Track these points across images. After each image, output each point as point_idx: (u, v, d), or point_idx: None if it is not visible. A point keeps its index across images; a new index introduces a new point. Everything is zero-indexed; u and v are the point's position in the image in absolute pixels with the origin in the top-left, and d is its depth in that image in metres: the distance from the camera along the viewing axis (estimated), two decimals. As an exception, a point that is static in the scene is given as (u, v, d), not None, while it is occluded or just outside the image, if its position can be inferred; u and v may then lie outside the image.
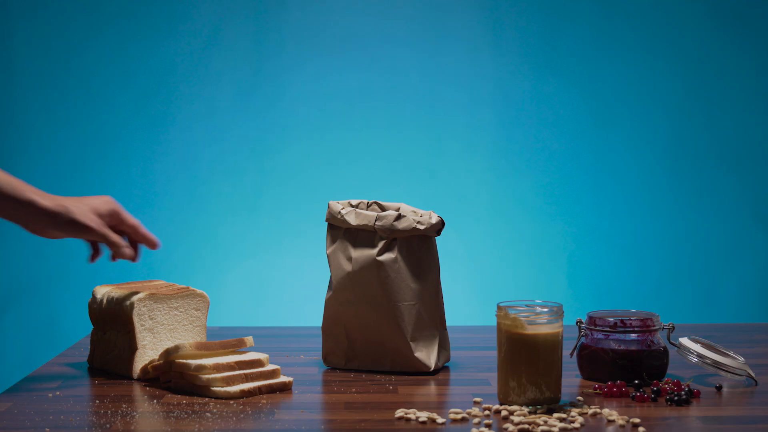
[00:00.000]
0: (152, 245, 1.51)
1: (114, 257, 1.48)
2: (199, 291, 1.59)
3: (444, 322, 1.60)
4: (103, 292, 1.58)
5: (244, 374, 1.44)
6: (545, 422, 1.27)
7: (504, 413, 1.31)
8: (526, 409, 1.32)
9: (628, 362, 1.47)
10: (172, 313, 1.57)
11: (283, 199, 3.01)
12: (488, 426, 1.27)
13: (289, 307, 2.98)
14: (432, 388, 1.48)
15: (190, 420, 1.30)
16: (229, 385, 1.42)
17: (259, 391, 1.43)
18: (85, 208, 1.45)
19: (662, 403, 1.37)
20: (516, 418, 1.28)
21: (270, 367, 1.47)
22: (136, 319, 1.52)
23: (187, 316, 1.59)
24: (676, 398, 1.36)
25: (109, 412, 1.34)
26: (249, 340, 1.52)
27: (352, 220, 1.57)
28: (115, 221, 1.49)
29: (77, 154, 2.97)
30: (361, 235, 1.56)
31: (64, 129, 2.96)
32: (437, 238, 1.59)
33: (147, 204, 2.99)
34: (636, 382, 1.43)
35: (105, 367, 1.56)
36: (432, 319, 1.57)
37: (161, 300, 1.55)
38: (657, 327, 1.49)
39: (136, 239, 1.51)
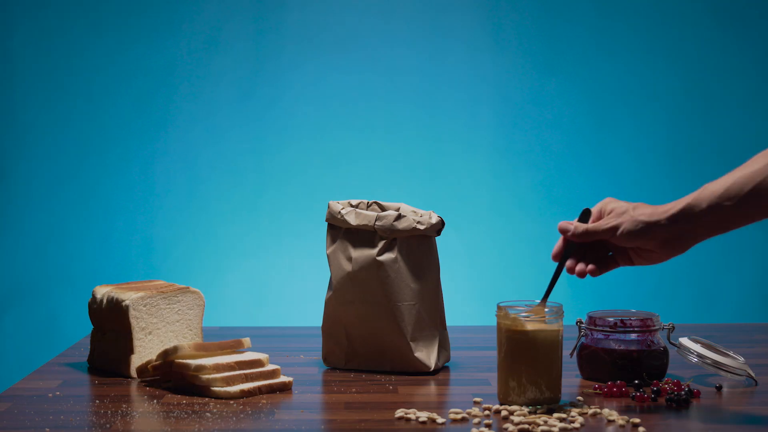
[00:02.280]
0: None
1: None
2: (193, 289, 1.59)
3: (444, 322, 1.60)
4: (103, 292, 1.58)
5: (244, 374, 1.44)
6: (545, 422, 1.27)
7: (504, 413, 1.31)
8: (526, 409, 1.32)
9: (628, 362, 1.47)
10: (168, 312, 1.57)
11: (283, 199, 3.01)
12: (488, 426, 1.27)
13: (289, 307, 2.98)
14: (432, 388, 1.48)
15: (190, 420, 1.30)
16: (229, 385, 1.42)
17: (259, 391, 1.43)
18: None
19: (662, 403, 1.37)
20: (516, 418, 1.28)
21: (270, 367, 1.47)
22: (132, 320, 1.53)
23: (183, 315, 1.59)
24: (676, 398, 1.36)
25: (109, 412, 1.34)
26: (246, 341, 1.52)
27: (352, 220, 1.57)
28: None
29: (77, 154, 2.97)
30: (361, 235, 1.56)
31: (64, 129, 2.96)
32: (437, 238, 1.59)
33: (147, 204, 2.99)
34: (636, 382, 1.43)
35: (105, 367, 1.57)
36: (432, 319, 1.57)
37: (156, 299, 1.55)
38: (657, 327, 1.49)
39: None
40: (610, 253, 1.39)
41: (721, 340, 1.65)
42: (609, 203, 1.39)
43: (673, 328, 1.51)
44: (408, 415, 1.31)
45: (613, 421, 1.29)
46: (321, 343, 1.62)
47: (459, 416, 1.30)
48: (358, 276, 1.55)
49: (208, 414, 1.33)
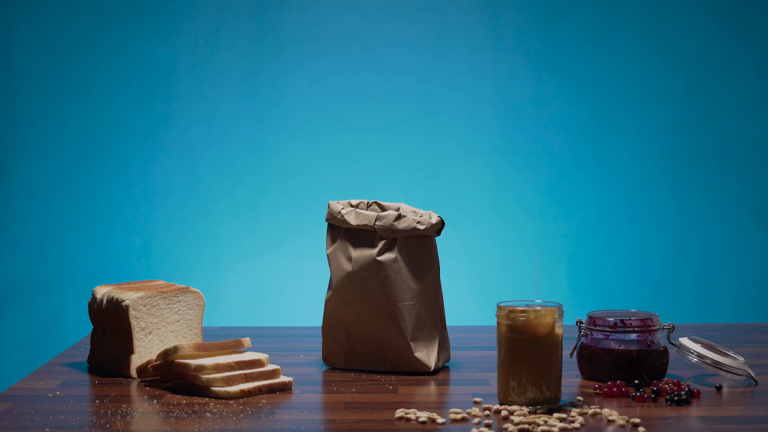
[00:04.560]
0: None
1: None
2: (193, 289, 1.60)
3: (444, 322, 1.60)
4: (103, 292, 1.58)
5: (244, 374, 1.44)
6: (545, 422, 1.27)
7: (504, 413, 1.31)
8: (526, 409, 1.32)
9: (628, 362, 1.47)
10: (168, 312, 1.57)
11: (283, 199, 3.01)
12: (488, 426, 1.27)
13: (289, 307, 2.98)
14: (432, 388, 1.48)
15: (190, 420, 1.30)
16: (229, 385, 1.42)
17: (259, 391, 1.43)
18: None
19: (662, 403, 1.37)
20: (516, 418, 1.28)
21: (270, 367, 1.48)
22: (132, 320, 1.53)
23: (183, 315, 1.59)
24: (676, 398, 1.36)
25: (109, 412, 1.34)
26: (246, 341, 1.52)
27: (352, 220, 1.57)
28: None
29: (77, 154, 2.97)
30: (361, 235, 1.56)
31: (64, 129, 2.96)
32: (437, 238, 1.59)
33: (147, 204, 2.99)
34: (636, 382, 1.43)
35: (105, 367, 1.57)
36: (432, 319, 1.57)
37: (156, 299, 1.55)
38: (657, 327, 1.49)
39: None
40: None
41: (721, 340, 1.65)
42: None
43: (673, 328, 1.51)
44: (408, 415, 1.31)
45: (613, 421, 1.29)
46: (321, 343, 1.62)
47: (459, 416, 1.30)
48: (358, 276, 1.55)
49: (208, 414, 1.33)
